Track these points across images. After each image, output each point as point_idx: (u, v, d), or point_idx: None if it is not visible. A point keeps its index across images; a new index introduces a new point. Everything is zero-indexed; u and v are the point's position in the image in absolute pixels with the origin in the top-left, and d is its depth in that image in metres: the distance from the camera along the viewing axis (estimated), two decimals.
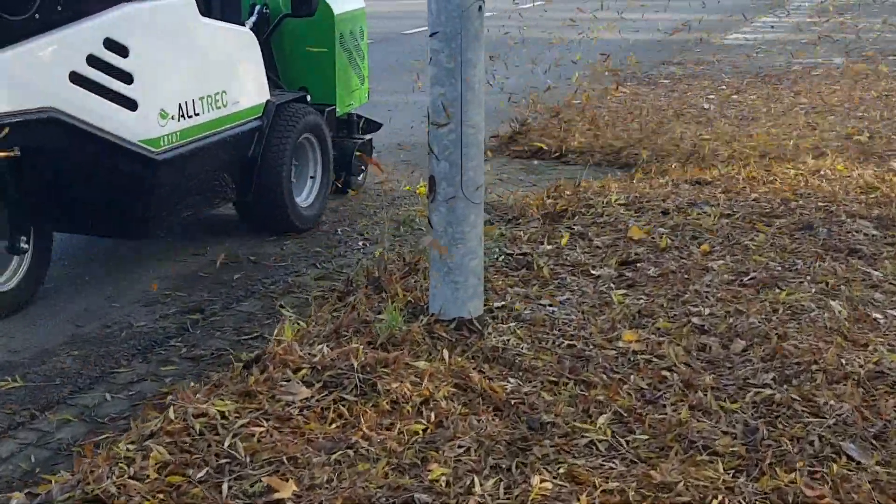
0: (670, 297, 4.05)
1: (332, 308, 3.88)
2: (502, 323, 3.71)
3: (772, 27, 13.67)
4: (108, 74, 4.28)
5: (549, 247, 4.68)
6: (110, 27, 4.30)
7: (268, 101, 5.34)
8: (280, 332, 3.45)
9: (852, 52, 11.52)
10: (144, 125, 4.44)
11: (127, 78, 4.36)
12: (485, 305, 3.84)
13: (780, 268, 4.37)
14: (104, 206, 4.59)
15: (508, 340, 3.55)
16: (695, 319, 3.77)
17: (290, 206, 5.44)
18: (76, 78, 4.15)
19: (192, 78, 4.79)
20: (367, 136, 6.53)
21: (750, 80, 9.93)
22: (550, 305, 3.96)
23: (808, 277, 4.26)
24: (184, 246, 5.28)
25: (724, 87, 9.61)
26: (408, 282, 3.98)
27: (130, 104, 4.38)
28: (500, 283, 4.15)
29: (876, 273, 4.34)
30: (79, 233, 5.04)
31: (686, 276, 4.27)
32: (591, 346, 3.56)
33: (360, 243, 5.39)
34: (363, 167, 6.40)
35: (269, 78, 5.45)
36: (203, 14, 4.87)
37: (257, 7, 5.76)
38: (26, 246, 4.41)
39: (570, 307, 3.94)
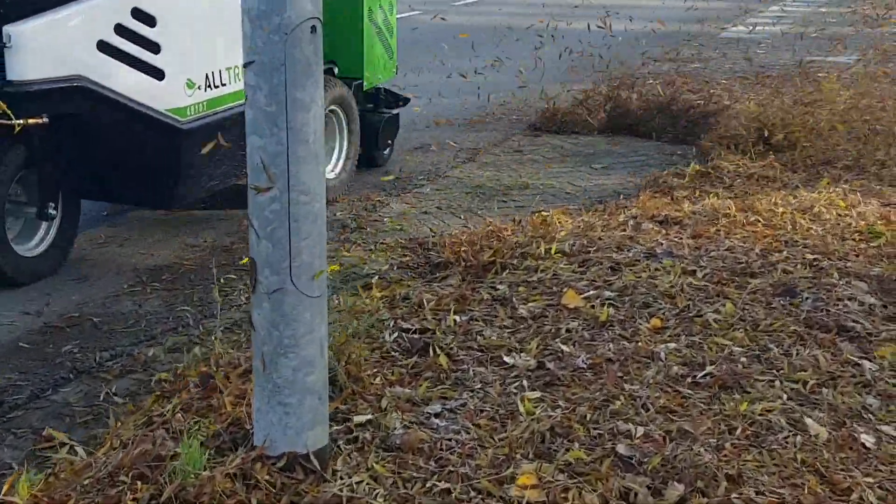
0: (597, 403, 3.08)
1: (142, 419, 2.93)
2: (359, 453, 2.74)
3: (773, 21, 12.60)
4: (135, 44, 4.37)
5: (459, 318, 3.72)
6: None
7: None
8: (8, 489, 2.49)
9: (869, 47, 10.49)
10: (171, 94, 4.52)
11: (154, 48, 4.45)
12: (347, 419, 2.90)
13: (746, 357, 3.40)
14: (132, 174, 4.66)
15: (359, 485, 2.59)
16: (621, 448, 2.80)
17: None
18: (104, 47, 4.25)
19: (218, 48, 4.85)
20: (395, 111, 6.52)
21: (747, 83, 8.90)
22: (437, 416, 3.00)
23: (782, 373, 3.29)
24: (15, 300, 4.33)
25: (716, 92, 8.58)
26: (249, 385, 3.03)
27: (158, 73, 4.46)
28: (378, 380, 3.19)
29: (870, 365, 3.36)
30: (107, 200, 5.19)
31: (624, 370, 3.30)
32: (472, 495, 2.60)
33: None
34: (390, 141, 6.48)
35: None
36: None
37: None
38: (55, 212, 4.50)
39: (463, 420, 2.98)
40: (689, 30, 11.76)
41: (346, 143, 5.85)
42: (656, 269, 4.18)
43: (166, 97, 4.52)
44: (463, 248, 4.72)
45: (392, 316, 3.72)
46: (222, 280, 4.41)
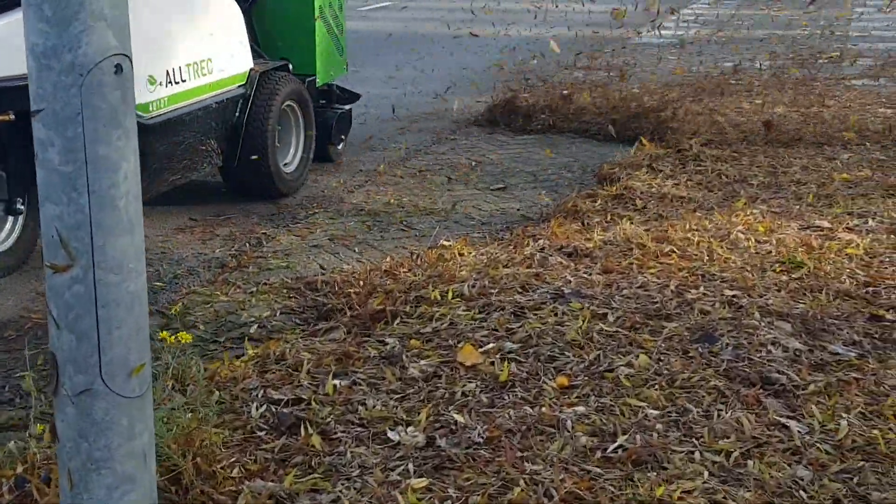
0: (493, 491, 2.65)
1: None
2: None
3: (684, 25, 12.40)
4: None
5: (339, 382, 3.25)
6: None
7: (251, 70, 5.58)
8: None
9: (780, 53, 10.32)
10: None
11: None
12: None
13: (662, 422, 3.01)
14: None
15: None
16: None
17: (276, 171, 5.66)
18: None
19: (179, 45, 4.99)
20: (347, 107, 6.76)
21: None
22: None
23: (702, 442, 2.90)
24: None
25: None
26: None
27: None
28: (235, 471, 2.71)
29: (798, 427, 3.00)
30: None
31: (525, 444, 2.88)
32: None
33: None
34: (343, 136, 6.69)
35: (252, 48, 5.70)
36: None
37: None
38: (22, 207, 4.56)
39: None
40: (600, 36, 11.48)
41: (302, 138, 6.01)
42: (564, 313, 3.77)
43: None
44: (353, 291, 4.27)
45: (262, 383, 3.24)
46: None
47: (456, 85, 8.80)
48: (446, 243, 5.00)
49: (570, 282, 4.11)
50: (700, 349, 3.47)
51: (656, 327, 3.65)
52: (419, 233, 5.30)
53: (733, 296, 3.94)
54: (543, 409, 3.08)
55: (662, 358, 3.41)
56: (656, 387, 3.21)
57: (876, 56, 9.85)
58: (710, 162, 6.11)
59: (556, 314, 3.77)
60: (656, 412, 3.06)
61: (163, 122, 4.82)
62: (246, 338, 3.86)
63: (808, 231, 4.80)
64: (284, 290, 4.50)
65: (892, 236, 4.71)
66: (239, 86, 5.47)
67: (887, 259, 4.42)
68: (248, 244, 5.07)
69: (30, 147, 4.43)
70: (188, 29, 5.07)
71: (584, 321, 3.68)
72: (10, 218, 4.59)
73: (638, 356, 3.40)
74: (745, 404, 3.12)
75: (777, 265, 4.29)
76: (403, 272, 4.49)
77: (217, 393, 3.12)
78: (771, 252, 4.44)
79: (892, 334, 3.65)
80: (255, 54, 5.81)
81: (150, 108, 4.77)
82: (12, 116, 4.20)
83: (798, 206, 5.24)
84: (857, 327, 3.70)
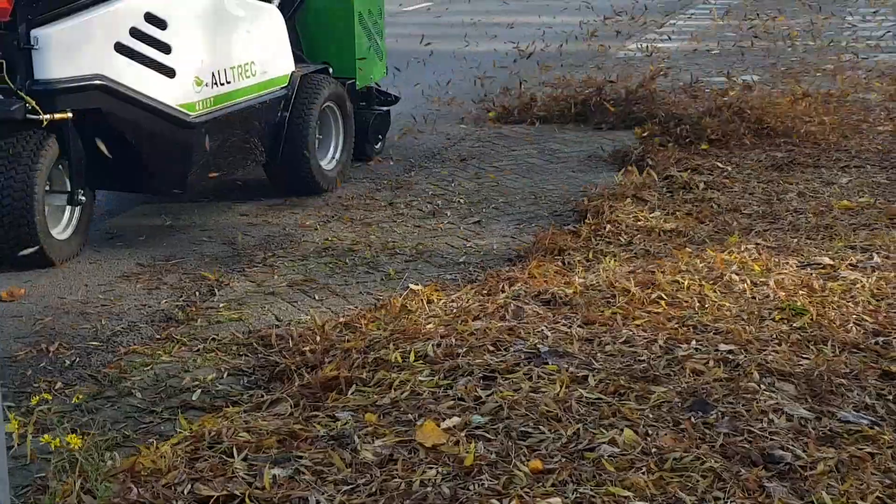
0: None
1: None
2: None
3: (669, 37, 12.02)
4: (148, 45, 4.91)
5: (279, 472, 2.82)
6: (151, 2, 4.97)
7: (293, 72, 5.94)
8: None
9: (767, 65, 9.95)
10: (181, 91, 5.05)
11: (165, 48, 4.98)
12: None
13: None
14: (145, 165, 5.12)
15: None
16: None
17: (315, 168, 5.99)
18: (121, 48, 4.80)
19: (224, 49, 5.38)
20: (385, 108, 7.05)
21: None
22: None
23: None
24: None
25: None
26: None
27: (169, 72, 5.00)
28: None
29: None
30: (123, 190, 5.65)
31: None
32: None
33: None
34: (380, 136, 7.02)
35: (293, 52, 6.08)
36: None
37: None
38: (83, 199, 4.96)
39: None
40: (577, 49, 11.11)
41: (342, 137, 6.32)
42: (539, 377, 3.36)
43: (177, 93, 5.05)
44: (309, 349, 3.87)
45: (190, 475, 2.81)
46: None
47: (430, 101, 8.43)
48: (415, 288, 4.59)
49: (546, 337, 3.70)
50: (693, 419, 3.06)
51: (643, 392, 3.24)
52: (387, 275, 4.89)
53: (729, 351, 3.53)
54: (513, 502, 2.66)
55: (650, 431, 2.99)
56: (644, 470, 2.79)
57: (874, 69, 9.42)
58: (700, 190, 5.71)
59: (530, 378, 3.35)
60: None
61: (208, 120, 5.24)
62: (181, 413, 3.44)
63: (808, 269, 4.40)
64: (234, 347, 4.08)
65: None
66: (281, 87, 5.82)
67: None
68: (197, 293, 4.65)
69: (88, 143, 4.87)
70: (232, 34, 5.49)
71: (561, 386, 3.27)
72: (69, 208, 4.98)
73: (622, 430, 2.99)
74: (745, 490, 2.71)
75: (776, 312, 3.88)
76: (365, 324, 4.09)
77: (135, 490, 2.70)
78: (769, 296, 4.04)
79: None
80: (298, 59, 6.16)
81: (197, 108, 5.18)
82: (71, 115, 4.67)
83: (796, 240, 4.84)
84: (869, 387, 3.30)
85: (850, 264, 4.44)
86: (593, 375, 3.35)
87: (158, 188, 5.48)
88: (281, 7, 6.08)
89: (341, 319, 4.17)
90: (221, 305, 4.50)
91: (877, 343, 3.63)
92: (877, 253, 4.58)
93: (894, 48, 11.08)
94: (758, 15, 13.16)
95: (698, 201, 5.56)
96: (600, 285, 4.22)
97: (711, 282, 4.20)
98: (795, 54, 10.66)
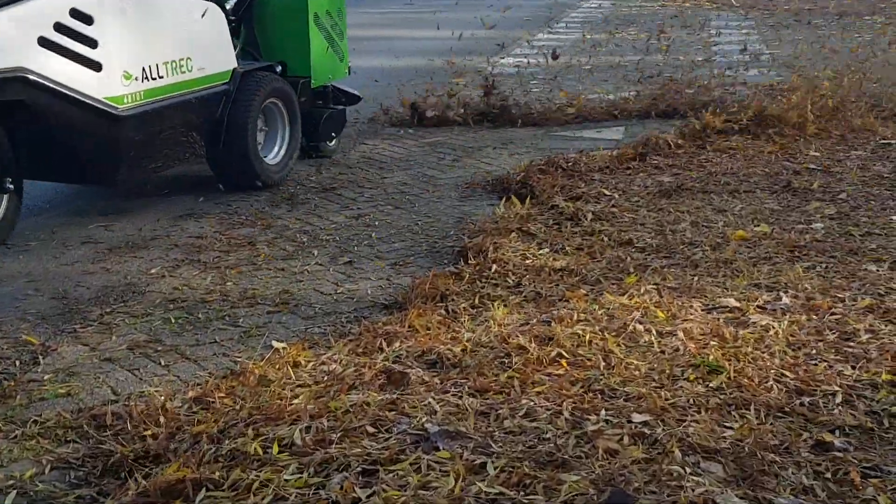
0: None
1: None
2: None
3: (543, 52, 11.72)
4: (74, 39, 5.07)
5: None
6: None
7: (234, 69, 6.09)
8: None
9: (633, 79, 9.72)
10: (108, 84, 5.22)
11: (92, 43, 5.14)
12: None
13: None
14: (76, 156, 5.33)
15: None
16: None
17: (257, 163, 6.20)
18: (44, 42, 4.95)
19: (155, 45, 5.49)
20: (340, 107, 7.24)
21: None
22: None
23: None
24: None
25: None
26: None
27: (95, 66, 5.17)
28: None
29: None
30: (53, 180, 5.89)
31: None
32: None
33: None
34: (333, 134, 7.21)
35: (247, 51, 6.59)
36: None
37: None
38: (11, 186, 5.12)
39: None
40: (437, 65, 10.68)
41: (287, 132, 6.53)
42: (430, 467, 2.83)
43: (103, 87, 5.19)
44: (150, 433, 3.22)
45: None
46: None
47: None
48: (279, 346, 4.00)
49: (435, 412, 3.17)
50: None
51: (551, 482, 2.75)
52: (246, 330, 4.26)
53: (644, 423, 3.08)
54: None
55: None
56: None
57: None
58: (589, 221, 5.29)
59: (418, 469, 2.82)
60: None
61: (138, 113, 5.36)
62: None
63: (715, 314, 4.02)
64: (60, 431, 3.38)
65: (813, 316, 3.98)
66: (222, 84, 5.99)
67: (814, 350, 3.67)
68: (17, 362, 3.91)
69: (15, 132, 5.01)
70: (166, 31, 5.61)
71: (455, 480, 2.74)
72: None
73: None
74: None
75: (689, 370, 3.46)
76: (220, 398, 3.47)
77: None
78: (679, 350, 3.62)
79: (847, 471, 2.86)
80: (251, 57, 6.57)
81: (125, 101, 5.30)
82: None
83: (696, 277, 4.46)
84: (804, 463, 2.89)
85: (759, 306, 4.08)
86: (492, 462, 2.85)
87: (90, 180, 5.72)
88: (235, 7, 6.43)
89: (190, 394, 3.53)
90: (47, 377, 3.78)
91: (802, 404, 3.25)
92: (784, 292, 4.24)
93: (759, 64, 11.06)
94: (628, 29, 13.04)
95: (588, 234, 5.13)
96: (492, 341, 3.72)
97: (614, 333, 3.76)
98: (667, 68, 10.48)
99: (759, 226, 5.20)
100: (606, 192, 5.83)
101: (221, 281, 4.82)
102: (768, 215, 5.41)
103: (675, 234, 5.09)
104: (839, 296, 4.18)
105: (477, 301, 4.30)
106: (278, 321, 4.36)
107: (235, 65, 6.12)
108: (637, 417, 3.11)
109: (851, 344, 3.71)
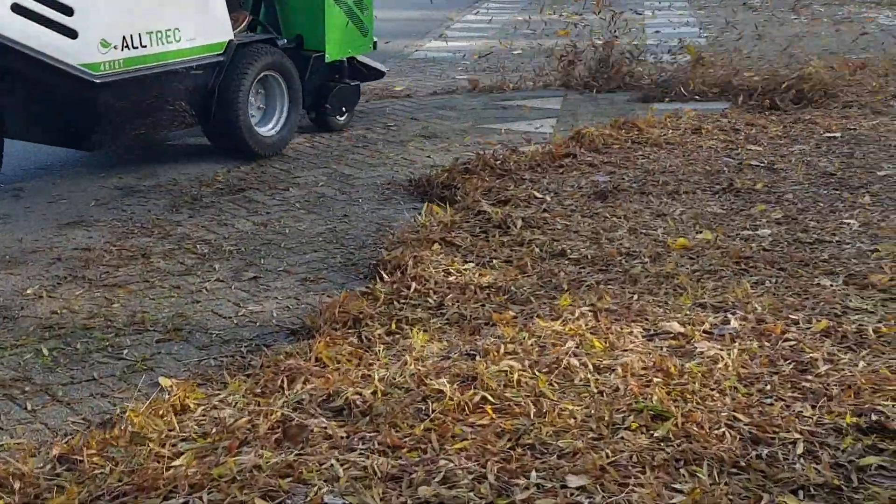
0: None
1: None
2: None
3: (470, 35, 11.21)
4: (49, 7, 5.18)
5: None
6: None
7: (230, 41, 6.16)
8: None
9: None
10: (84, 51, 5.32)
11: (67, 10, 5.25)
12: None
13: None
14: (56, 119, 5.56)
15: None
16: None
17: (248, 133, 6.27)
18: (17, 8, 5.06)
19: (139, 15, 5.62)
20: (354, 83, 7.25)
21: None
22: None
23: None
24: None
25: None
26: None
27: (71, 33, 5.27)
28: None
29: None
30: (34, 141, 5.95)
31: None
32: None
33: None
34: (344, 108, 7.20)
35: (263, 25, 6.81)
36: None
37: None
38: None
39: None
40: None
41: (286, 104, 6.57)
42: None
43: (79, 54, 5.27)
44: (4, 501, 2.71)
45: None
46: None
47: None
48: (166, 383, 3.49)
49: (337, 478, 2.70)
50: None
51: None
52: (131, 364, 3.74)
53: (580, 489, 2.65)
54: None
55: None
56: None
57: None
58: (518, 229, 4.85)
59: None
60: None
61: (117, 81, 5.46)
62: None
63: (657, 341, 3.61)
64: None
65: (765, 343, 3.59)
66: (215, 55, 6.04)
67: (768, 386, 3.28)
68: None
69: None
70: (151, 2, 5.68)
71: None
72: None
73: None
74: None
75: (631, 416, 3.03)
76: (90, 456, 2.96)
77: None
78: (619, 390, 3.19)
79: None
80: (265, 30, 6.70)
81: (102, 68, 5.39)
82: None
83: (636, 296, 4.04)
84: None
85: (705, 331, 3.68)
86: None
87: (69, 143, 5.76)
88: None
89: (55, 451, 3.01)
90: None
91: (760, 457, 2.85)
92: (731, 313, 3.84)
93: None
94: (554, 10, 12.58)
95: (517, 244, 4.69)
96: (407, 382, 3.26)
97: (546, 370, 3.32)
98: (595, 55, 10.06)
99: (701, 232, 4.82)
100: (538, 195, 5.39)
101: (107, 302, 4.27)
102: (711, 220, 5.03)
103: (612, 244, 4.68)
104: (792, 317, 3.80)
105: (394, 326, 3.84)
106: (168, 352, 3.85)
107: (231, 36, 6.14)
108: (573, 481, 2.68)
109: (809, 377, 3.32)
